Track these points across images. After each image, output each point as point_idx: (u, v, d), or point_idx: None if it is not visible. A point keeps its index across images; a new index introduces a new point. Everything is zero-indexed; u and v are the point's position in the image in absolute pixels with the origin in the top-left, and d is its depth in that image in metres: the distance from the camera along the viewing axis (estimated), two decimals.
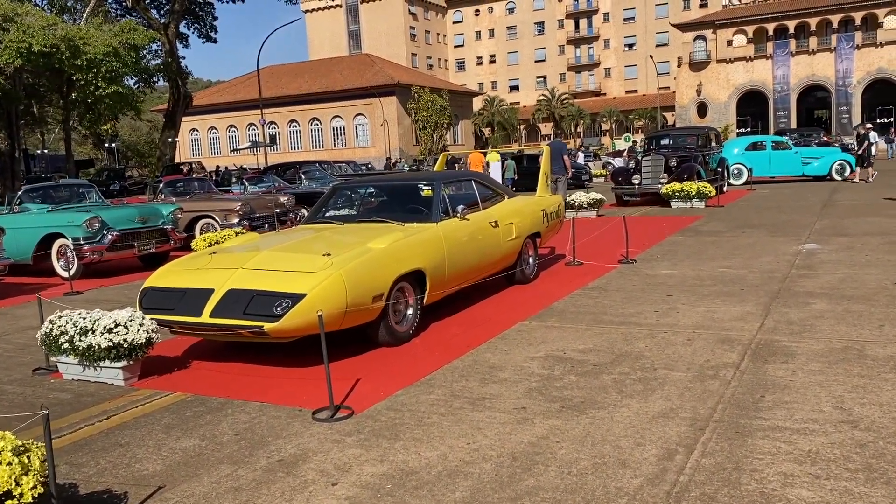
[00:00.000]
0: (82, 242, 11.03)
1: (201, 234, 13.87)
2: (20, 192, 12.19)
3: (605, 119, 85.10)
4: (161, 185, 15.17)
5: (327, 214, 7.64)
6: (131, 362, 5.47)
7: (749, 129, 64.49)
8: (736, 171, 22.64)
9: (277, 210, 14.64)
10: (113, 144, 47.72)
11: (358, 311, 5.60)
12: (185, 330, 5.72)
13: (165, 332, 5.90)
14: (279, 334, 5.33)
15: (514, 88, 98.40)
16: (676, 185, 16.17)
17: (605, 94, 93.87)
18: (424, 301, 6.50)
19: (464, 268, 7.07)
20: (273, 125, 69.89)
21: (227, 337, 5.62)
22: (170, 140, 37.36)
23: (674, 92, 75.52)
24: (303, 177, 19.20)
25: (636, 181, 17.08)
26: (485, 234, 7.48)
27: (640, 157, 17.59)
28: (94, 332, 5.44)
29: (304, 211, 16.21)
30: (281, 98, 68.54)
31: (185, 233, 13.14)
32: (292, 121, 71.21)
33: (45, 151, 39.87)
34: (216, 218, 13.92)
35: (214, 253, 6.31)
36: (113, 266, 12.29)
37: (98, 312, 5.67)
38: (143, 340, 5.42)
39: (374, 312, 5.80)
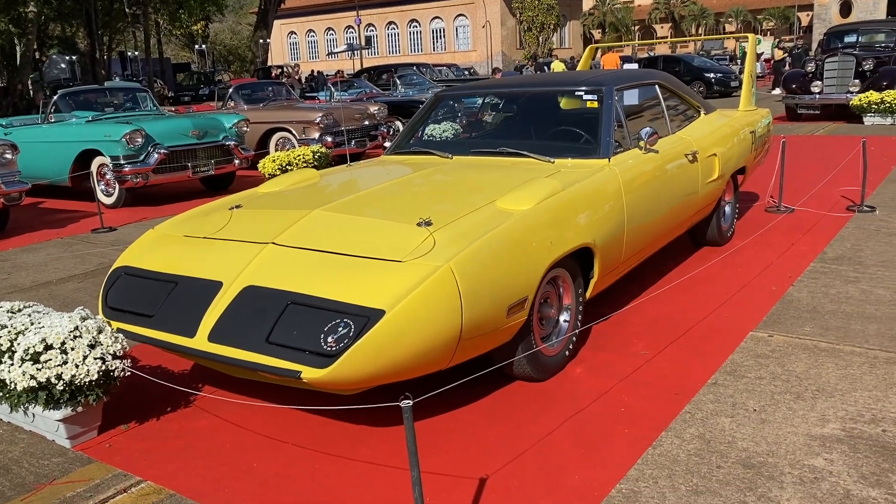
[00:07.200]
0: (122, 162, 8.79)
1: (277, 150, 11.48)
2: (55, 98, 10.00)
3: (730, 20, 77.04)
4: (230, 91, 12.73)
5: (425, 140, 4.93)
6: (78, 409, 3.07)
7: None
8: None
9: (366, 122, 12.03)
10: (203, 46, 45.74)
11: (482, 336, 2.96)
12: (176, 353, 3.23)
13: None
14: (331, 387, 2.77)
15: None
16: (875, 95, 12.42)
17: None
18: (588, 294, 3.79)
19: (649, 234, 4.27)
20: (371, 28, 66.76)
21: (244, 374, 3.11)
22: (261, 41, 34.99)
23: None
24: (398, 82, 16.39)
25: (816, 89, 13.36)
26: (680, 175, 4.59)
27: (820, 60, 13.75)
28: (11, 354, 3.05)
29: (398, 124, 13.57)
30: None
31: (254, 150, 10.75)
32: (390, 23, 67.70)
33: (136, 54, 38.42)
34: (293, 131, 11.45)
35: (238, 206, 3.74)
36: (169, 190, 10.10)
37: (31, 312, 3.28)
38: (94, 378, 2.99)
39: (508, 333, 3.14)
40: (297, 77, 27.42)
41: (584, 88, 4.45)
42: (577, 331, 3.66)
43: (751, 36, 6.36)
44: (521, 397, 3.35)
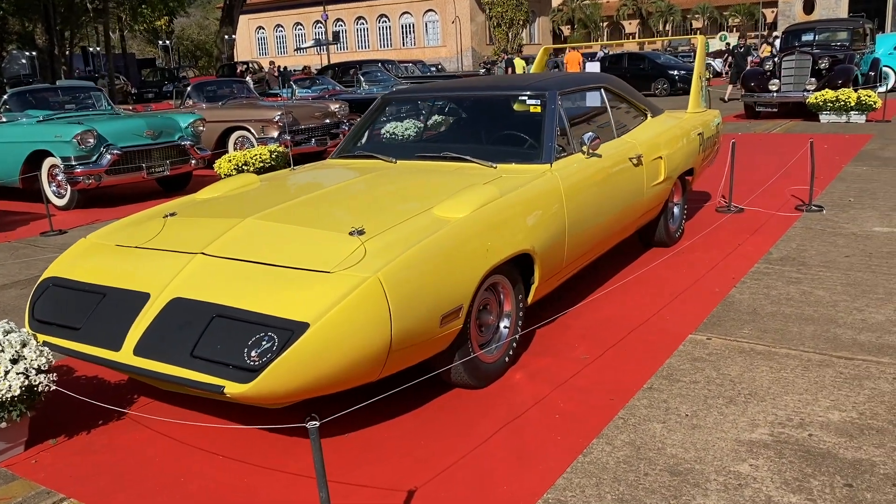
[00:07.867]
0: (74, 163, 8.62)
1: (236, 149, 11.36)
2: (5, 97, 9.78)
3: (697, 16, 77.87)
4: (188, 89, 12.56)
5: (371, 144, 4.89)
6: (2, 425, 3.00)
7: None
8: (881, 75, 18.56)
9: (327, 121, 11.94)
10: (167, 42, 45.00)
11: (414, 346, 2.94)
12: (103, 367, 3.16)
13: None
14: (255, 401, 2.74)
15: None
16: (830, 94, 12.63)
17: None
18: (529, 300, 3.79)
19: (592, 238, 4.28)
20: (339, 23, 66.36)
21: (171, 387, 3.06)
22: (226, 37, 34.51)
23: None
24: (361, 79, 16.30)
25: (774, 87, 13.55)
26: (625, 178, 4.62)
27: (777, 58, 13.96)
28: None
29: None
30: None
31: (213, 149, 10.62)
32: (359, 18, 67.35)
33: (99, 50, 37.64)
34: (252, 130, 11.33)
35: (173, 214, 3.68)
36: (124, 191, 9.94)
37: None
38: (17, 393, 2.92)
39: (442, 342, 3.13)
40: (274, 73, 27.02)
41: (527, 93, 4.44)
42: (517, 336, 3.67)
43: (700, 37, 6.41)
44: (458, 405, 3.34)
